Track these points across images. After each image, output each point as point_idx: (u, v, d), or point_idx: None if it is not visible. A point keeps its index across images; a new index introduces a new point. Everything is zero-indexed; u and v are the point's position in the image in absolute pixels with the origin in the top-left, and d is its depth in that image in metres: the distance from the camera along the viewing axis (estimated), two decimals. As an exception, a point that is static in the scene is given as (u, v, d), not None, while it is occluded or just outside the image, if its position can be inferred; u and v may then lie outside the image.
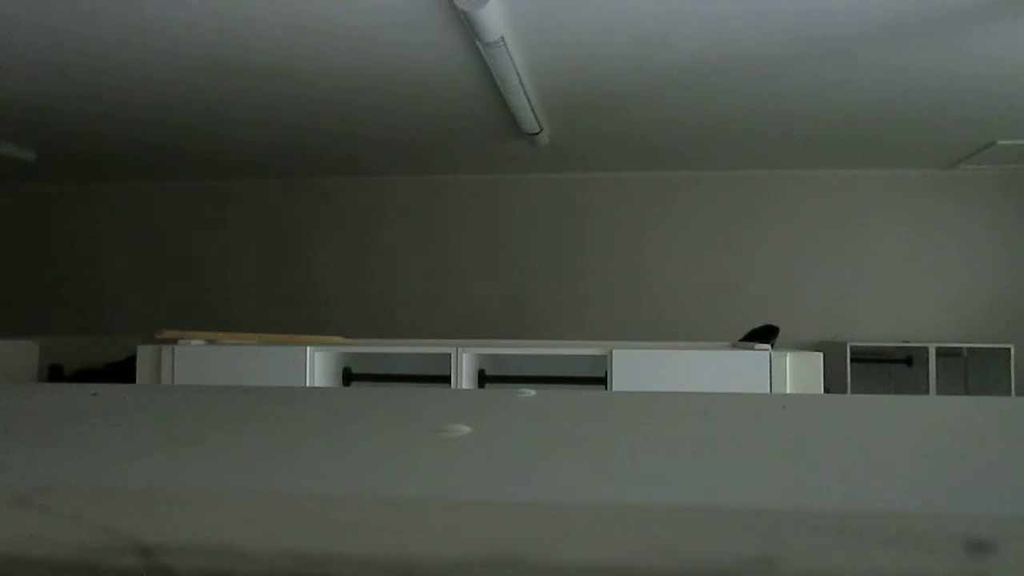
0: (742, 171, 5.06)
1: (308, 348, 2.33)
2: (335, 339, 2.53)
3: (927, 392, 4.21)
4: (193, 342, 2.38)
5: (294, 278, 5.40)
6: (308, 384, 2.29)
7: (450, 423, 0.58)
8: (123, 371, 3.30)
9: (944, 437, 0.68)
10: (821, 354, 2.23)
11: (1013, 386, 4.22)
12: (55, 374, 3.44)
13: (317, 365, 2.34)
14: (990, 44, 2.86)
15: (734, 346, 2.61)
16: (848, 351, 4.34)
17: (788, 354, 2.19)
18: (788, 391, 2.15)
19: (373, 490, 0.40)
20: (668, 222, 5.14)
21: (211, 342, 2.44)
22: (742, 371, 2.23)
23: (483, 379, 2.40)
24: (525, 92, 3.30)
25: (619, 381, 2.24)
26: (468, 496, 0.38)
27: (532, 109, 3.56)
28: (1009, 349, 4.24)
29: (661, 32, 2.79)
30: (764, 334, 3.04)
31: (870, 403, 1.01)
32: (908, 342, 4.52)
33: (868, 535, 0.27)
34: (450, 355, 2.33)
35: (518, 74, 3.07)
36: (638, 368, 2.28)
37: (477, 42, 2.74)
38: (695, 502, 0.36)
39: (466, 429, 0.57)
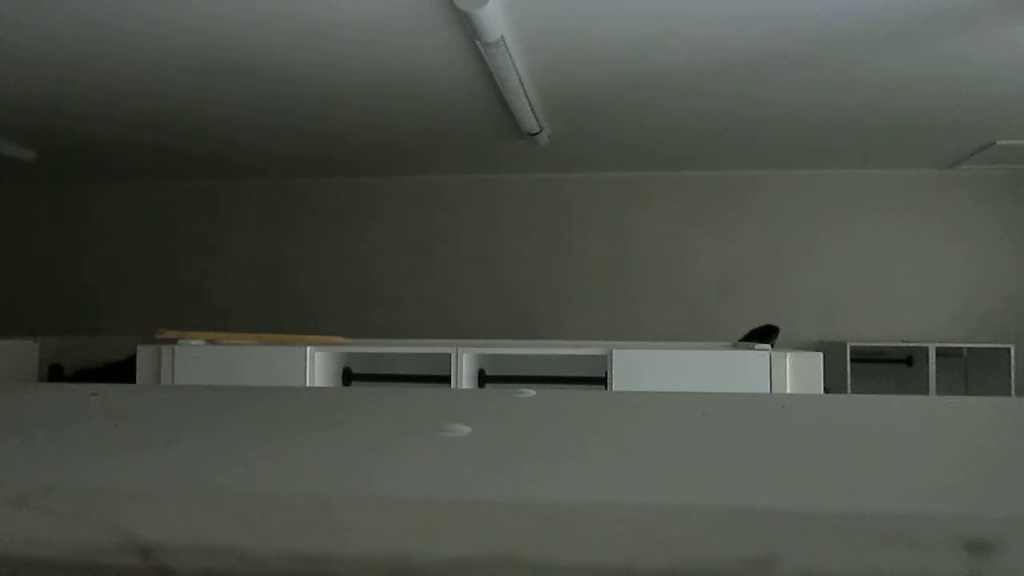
0: (743, 171, 5.06)
1: (308, 348, 2.33)
2: (335, 339, 2.53)
3: (927, 392, 4.20)
4: (193, 342, 2.38)
5: (294, 278, 5.40)
6: (308, 384, 2.29)
7: (450, 423, 0.58)
8: (123, 371, 3.29)
9: (944, 437, 0.68)
10: (821, 354, 2.23)
11: (1013, 386, 4.22)
12: (55, 374, 3.44)
13: (317, 365, 2.34)
14: (990, 44, 2.86)
15: (734, 346, 2.61)
16: (848, 351, 4.33)
17: (788, 354, 2.19)
18: (788, 391, 2.15)
19: (373, 490, 0.40)
20: (669, 222, 5.14)
21: (211, 342, 2.44)
22: (742, 371, 2.23)
23: (483, 379, 2.40)
24: (525, 92, 3.30)
25: (619, 381, 2.23)
26: (468, 496, 0.38)
27: (532, 109, 3.56)
28: (1009, 349, 4.23)
29: (661, 33, 2.79)
30: (764, 334, 3.05)
31: (870, 403, 1.01)
32: (908, 342, 4.52)
33: (868, 535, 0.27)
34: (450, 355, 2.33)
35: (518, 74, 3.07)
36: (638, 368, 2.28)
37: (477, 42, 2.74)
38: (695, 502, 0.36)
39: (466, 429, 0.57)
